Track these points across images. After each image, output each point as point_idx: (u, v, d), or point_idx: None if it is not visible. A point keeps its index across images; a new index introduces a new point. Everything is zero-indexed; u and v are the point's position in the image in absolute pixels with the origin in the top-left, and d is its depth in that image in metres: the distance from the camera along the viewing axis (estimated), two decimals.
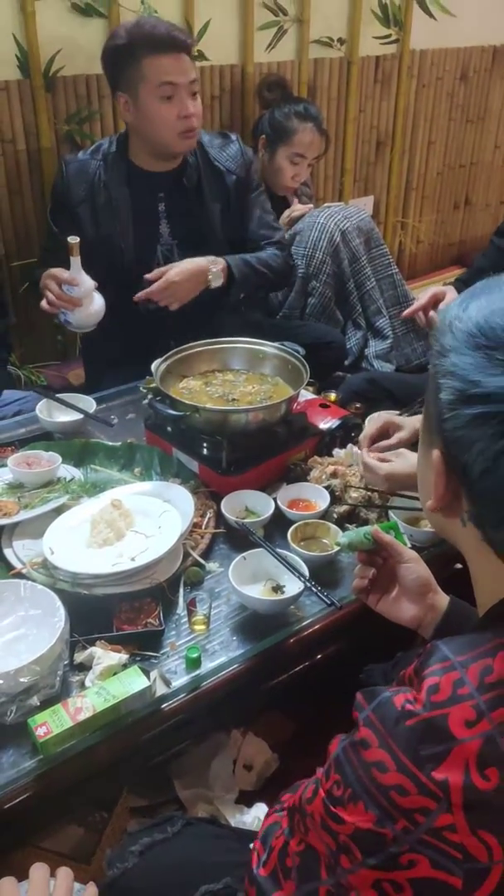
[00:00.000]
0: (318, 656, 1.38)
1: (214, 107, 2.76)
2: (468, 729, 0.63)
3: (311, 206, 2.73)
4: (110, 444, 1.67)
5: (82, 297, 1.87)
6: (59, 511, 1.44)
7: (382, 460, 1.46)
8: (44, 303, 1.91)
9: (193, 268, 1.99)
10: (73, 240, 1.83)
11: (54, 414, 1.78)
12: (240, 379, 1.76)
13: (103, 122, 2.51)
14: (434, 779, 0.62)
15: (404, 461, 1.41)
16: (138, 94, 1.93)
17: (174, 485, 1.52)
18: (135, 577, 1.28)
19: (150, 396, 1.67)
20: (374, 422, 1.54)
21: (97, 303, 1.91)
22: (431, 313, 2.05)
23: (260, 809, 1.37)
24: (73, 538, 1.35)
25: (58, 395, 1.79)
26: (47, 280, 1.90)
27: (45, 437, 1.73)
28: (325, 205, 2.75)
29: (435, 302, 2.04)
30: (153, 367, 1.71)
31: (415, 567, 1.06)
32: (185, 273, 1.97)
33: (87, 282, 1.87)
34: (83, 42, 2.39)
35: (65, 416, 1.76)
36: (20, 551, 1.37)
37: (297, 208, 2.68)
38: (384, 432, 1.52)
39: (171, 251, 2.16)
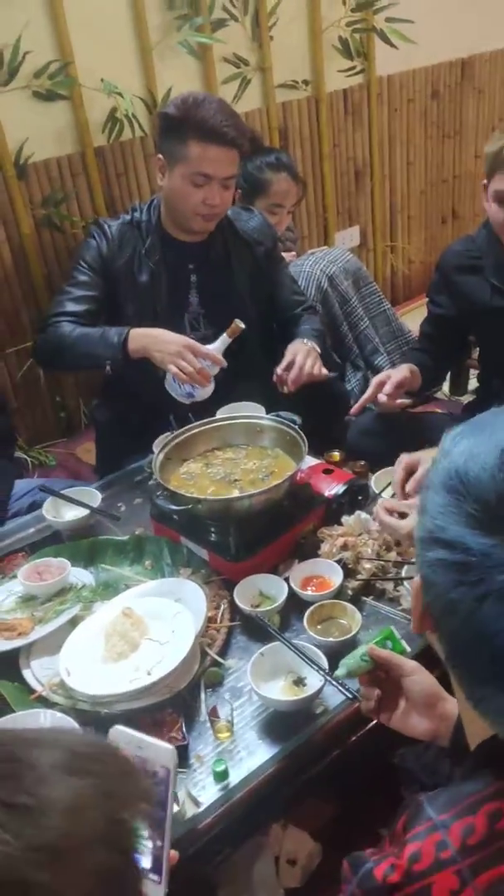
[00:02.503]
0: (351, 739, 1.36)
1: None
2: None
3: (295, 253, 2.73)
4: (118, 539, 1.67)
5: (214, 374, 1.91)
6: (73, 623, 1.43)
7: (398, 513, 1.45)
8: (175, 370, 1.84)
9: (314, 353, 2.04)
10: (240, 324, 1.89)
11: (61, 511, 1.78)
12: (240, 455, 1.75)
13: (80, 202, 2.53)
14: None
15: None
16: (174, 168, 1.93)
17: (185, 580, 1.51)
18: (153, 688, 1.27)
19: (153, 479, 1.65)
20: (399, 465, 1.53)
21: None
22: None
23: None
24: (88, 654, 1.34)
25: (62, 493, 1.78)
26: (184, 350, 1.85)
27: (54, 538, 1.73)
28: (309, 252, 2.75)
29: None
30: (154, 448, 1.69)
31: (418, 679, 1.05)
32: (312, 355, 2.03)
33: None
34: (50, 126, 2.42)
35: (72, 513, 1.76)
36: (38, 671, 1.37)
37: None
38: (411, 472, 1.51)
39: (198, 320, 2.15)
